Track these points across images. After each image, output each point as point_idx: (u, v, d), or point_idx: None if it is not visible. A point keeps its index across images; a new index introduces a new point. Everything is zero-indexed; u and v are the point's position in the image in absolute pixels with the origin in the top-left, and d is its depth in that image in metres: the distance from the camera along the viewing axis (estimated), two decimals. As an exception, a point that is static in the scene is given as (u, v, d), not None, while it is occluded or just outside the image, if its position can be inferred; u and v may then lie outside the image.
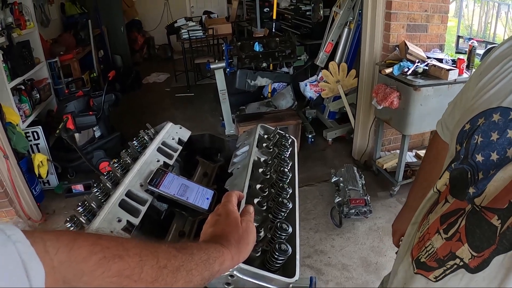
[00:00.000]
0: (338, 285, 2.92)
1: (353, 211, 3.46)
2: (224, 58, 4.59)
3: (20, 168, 3.65)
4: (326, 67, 4.79)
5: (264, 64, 4.46)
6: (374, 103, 3.67)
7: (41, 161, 4.04)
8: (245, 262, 0.98)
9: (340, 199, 3.59)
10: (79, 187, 4.29)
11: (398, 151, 4.11)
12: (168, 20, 10.23)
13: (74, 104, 4.47)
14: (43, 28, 5.82)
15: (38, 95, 4.96)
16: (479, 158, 0.85)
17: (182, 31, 7.46)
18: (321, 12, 5.38)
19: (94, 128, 4.60)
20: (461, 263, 0.85)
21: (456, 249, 0.86)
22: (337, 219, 3.56)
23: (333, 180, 3.85)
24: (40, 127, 4.32)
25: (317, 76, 5.19)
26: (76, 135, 4.45)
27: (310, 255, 3.21)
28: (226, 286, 1.04)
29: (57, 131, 4.06)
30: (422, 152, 4.10)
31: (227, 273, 0.98)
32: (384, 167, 4.05)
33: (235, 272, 0.98)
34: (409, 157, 4.05)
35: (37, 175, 4.06)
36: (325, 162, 4.63)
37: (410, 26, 3.84)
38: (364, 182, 3.78)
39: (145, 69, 8.97)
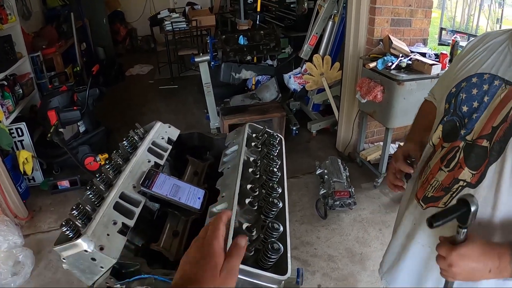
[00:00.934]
0: (324, 276, 2.99)
1: (338, 203, 3.53)
2: (208, 51, 4.59)
3: (5, 165, 3.61)
4: (310, 59, 4.83)
5: (249, 57, 4.48)
6: (358, 97, 3.73)
7: (26, 158, 4.01)
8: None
9: (325, 191, 3.65)
10: (65, 183, 4.28)
11: (381, 143, 4.19)
12: (151, 11, 10.13)
13: (58, 99, 4.43)
14: (24, 21, 5.70)
15: (21, 90, 4.84)
16: (465, 108, 1.21)
17: (166, 22, 7.41)
18: (306, 4, 5.41)
19: (78, 123, 4.57)
20: (464, 183, 1.16)
21: (458, 174, 1.17)
22: (322, 210, 3.62)
23: (317, 172, 3.91)
24: (24, 123, 4.27)
25: (301, 68, 5.22)
26: (60, 130, 4.40)
27: (297, 246, 3.27)
28: (221, 285, 1.09)
29: (49, 135, 4.02)
30: (404, 144, 4.18)
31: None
32: (367, 159, 4.12)
33: (230, 271, 1.02)
34: (392, 149, 4.12)
35: (22, 172, 4.03)
36: (309, 154, 4.68)
37: (394, 21, 3.90)
38: (348, 174, 3.85)
39: (128, 61, 8.90)
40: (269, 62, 4.86)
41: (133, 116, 6.04)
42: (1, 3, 4.66)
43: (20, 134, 4.27)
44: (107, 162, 1.54)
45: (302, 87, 5.15)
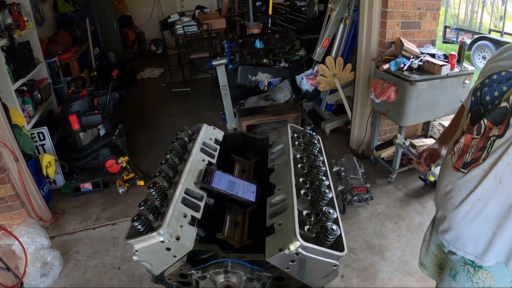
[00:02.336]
0: (347, 267, 3.16)
1: (356, 198, 3.71)
2: (225, 54, 4.75)
3: (29, 169, 3.69)
4: (323, 61, 5.00)
5: (265, 60, 4.65)
6: (373, 97, 3.91)
7: (49, 161, 4.11)
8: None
9: (342, 187, 3.82)
10: (88, 186, 4.39)
11: (394, 141, 4.36)
12: (159, 15, 10.31)
13: (78, 103, 4.51)
14: (38, 27, 5.79)
15: (39, 95, 4.99)
16: (487, 98, 1.46)
17: (177, 26, 7.54)
18: (316, 7, 5.56)
19: (99, 127, 4.69)
20: (494, 137, 1.39)
21: (488, 134, 1.42)
22: (341, 206, 3.79)
23: (334, 169, 4.08)
24: (45, 127, 4.37)
25: (313, 69, 5.40)
26: (81, 134, 4.55)
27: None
28: (291, 263, 1.26)
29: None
30: (416, 141, 4.35)
31: (293, 252, 1.21)
32: (381, 156, 4.29)
33: (299, 250, 1.21)
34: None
35: (45, 176, 4.13)
36: (324, 153, 4.83)
37: (404, 23, 4.06)
38: (363, 171, 4.02)
39: (138, 65, 9.04)
40: (282, 64, 5.02)
41: (149, 119, 6.20)
42: (18, 10, 4.77)
43: (42, 138, 4.38)
44: (163, 162, 1.70)
45: (314, 88, 5.32)
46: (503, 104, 1.38)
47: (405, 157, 4.20)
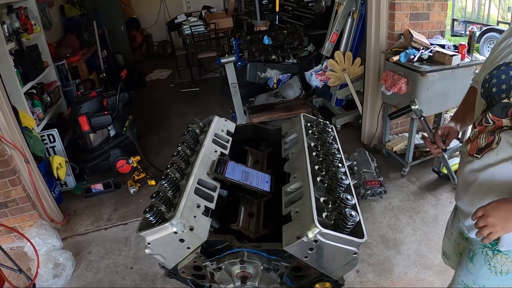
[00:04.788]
0: (362, 261, 3.12)
1: (369, 192, 3.67)
2: (233, 52, 4.73)
3: (40, 171, 3.71)
4: (331, 56, 4.96)
5: (273, 57, 4.62)
6: (383, 90, 3.86)
7: (59, 163, 4.12)
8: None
9: (355, 181, 3.78)
10: (99, 186, 4.39)
11: (406, 134, 4.32)
12: (165, 17, 10.33)
13: (88, 105, 4.52)
14: (46, 32, 5.84)
15: (49, 98, 5.01)
16: (494, 90, 1.43)
17: (184, 27, 7.56)
18: (323, 2, 5.52)
19: (109, 128, 4.68)
20: (507, 128, 1.38)
21: (501, 124, 1.40)
22: (354, 200, 3.75)
23: (347, 164, 4.03)
24: (56, 130, 4.38)
25: (322, 65, 5.36)
26: (91, 135, 4.55)
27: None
28: (309, 252, 1.23)
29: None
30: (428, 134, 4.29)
31: (312, 239, 1.18)
32: (393, 150, 4.24)
33: (318, 236, 1.17)
34: (416, 139, 4.24)
35: (56, 177, 4.14)
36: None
37: (413, 15, 4.02)
38: (376, 164, 3.98)
39: (146, 67, 9.07)
40: (291, 60, 4.99)
41: (159, 119, 6.20)
42: (25, 14, 4.81)
43: (52, 140, 4.38)
44: (175, 154, 1.68)
45: (323, 83, 5.28)
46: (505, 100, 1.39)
47: (417, 150, 4.15)
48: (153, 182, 4.39)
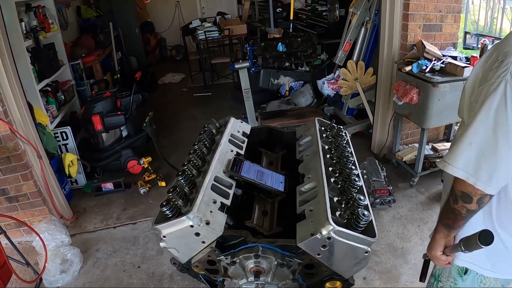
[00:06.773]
0: (369, 269, 3.13)
1: (378, 200, 3.69)
2: (247, 58, 4.78)
3: (51, 167, 3.77)
4: (344, 65, 5.00)
5: (287, 64, 4.66)
6: (395, 99, 3.89)
7: (71, 160, 4.19)
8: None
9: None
10: (109, 186, 4.44)
11: (416, 145, 4.33)
12: (179, 21, 10.44)
13: (102, 104, 4.59)
14: (62, 31, 5.91)
15: (63, 96, 5.09)
16: None
17: (199, 32, 7.64)
18: (337, 12, 5.57)
19: (121, 128, 4.74)
20: None
21: None
22: (362, 208, 3.76)
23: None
24: (69, 127, 4.45)
25: (334, 74, 5.40)
26: (104, 134, 4.62)
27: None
28: (322, 249, 1.27)
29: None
30: (438, 145, 4.32)
31: (325, 236, 1.21)
32: (403, 160, 4.26)
33: (331, 234, 1.21)
34: (426, 150, 4.26)
35: (67, 175, 4.20)
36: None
37: (426, 26, 4.05)
38: (386, 174, 3.99)
39: (159, 70, 9.16)
40: (304, 68, 5.03)
41: (170, 122, 6.26)
42: (43, 13, 4.91)
43: (65, 137, 4.45)
44: (191, 152, 1.72)
45: (335, 92, 5.32)
46: None
47: (427, 161, 4.17)
48: (163, 184, 4.44)
